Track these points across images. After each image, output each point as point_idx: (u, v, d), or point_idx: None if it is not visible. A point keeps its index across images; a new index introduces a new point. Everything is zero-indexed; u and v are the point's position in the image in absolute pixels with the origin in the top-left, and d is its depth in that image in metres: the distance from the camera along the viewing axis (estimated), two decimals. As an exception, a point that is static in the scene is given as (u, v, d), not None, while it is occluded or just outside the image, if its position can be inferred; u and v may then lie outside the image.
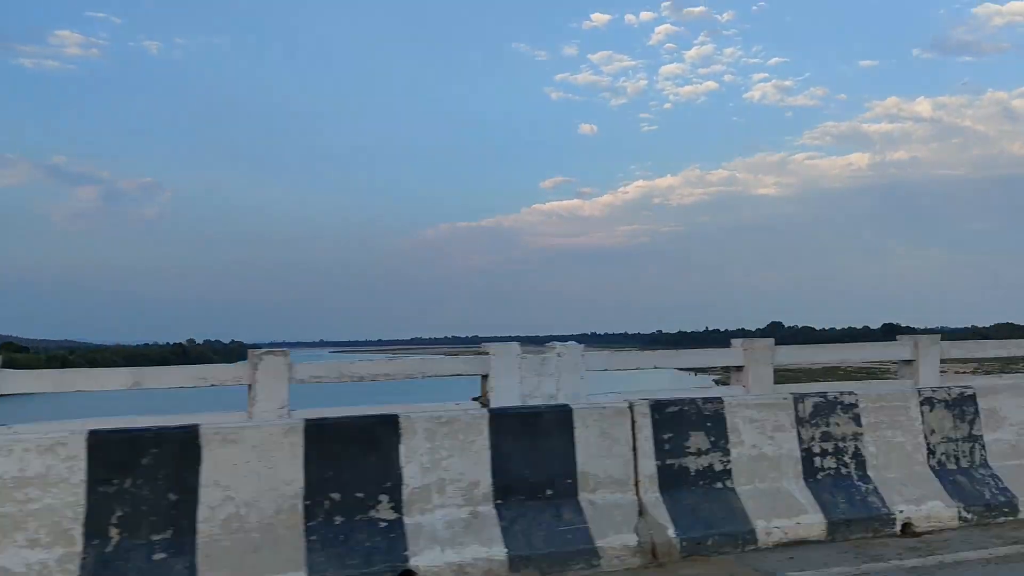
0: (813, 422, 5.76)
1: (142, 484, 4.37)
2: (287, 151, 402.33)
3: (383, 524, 4.68)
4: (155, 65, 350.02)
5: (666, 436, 5.38)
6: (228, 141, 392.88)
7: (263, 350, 7.32)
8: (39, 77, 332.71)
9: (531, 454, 5.08)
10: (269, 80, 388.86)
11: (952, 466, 6.06)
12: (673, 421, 5.42)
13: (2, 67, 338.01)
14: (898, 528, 5.66)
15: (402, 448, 4.84)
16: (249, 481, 4.53)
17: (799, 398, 5.85)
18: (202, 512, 4.43)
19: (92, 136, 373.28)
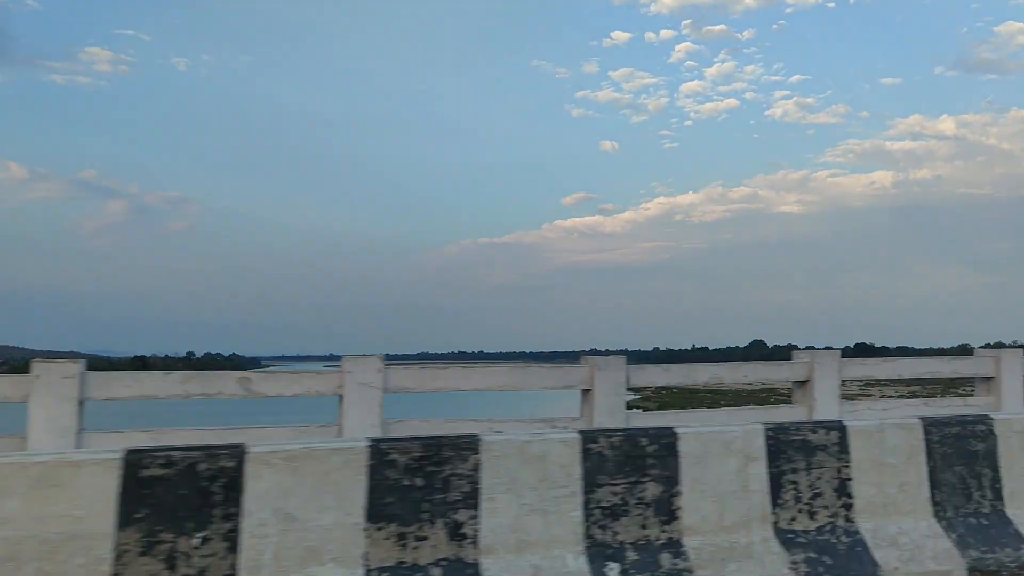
0: None
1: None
2: (311, 167, 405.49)
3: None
4: (183, 81, 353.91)
5: None
6: (254, 156, 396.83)
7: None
8: (70, 93, 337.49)
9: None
10: (294, 97, 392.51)
11: None
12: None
13: (34, 83, 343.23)
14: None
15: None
16: None
17: None
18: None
19: (121, 151, 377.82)
